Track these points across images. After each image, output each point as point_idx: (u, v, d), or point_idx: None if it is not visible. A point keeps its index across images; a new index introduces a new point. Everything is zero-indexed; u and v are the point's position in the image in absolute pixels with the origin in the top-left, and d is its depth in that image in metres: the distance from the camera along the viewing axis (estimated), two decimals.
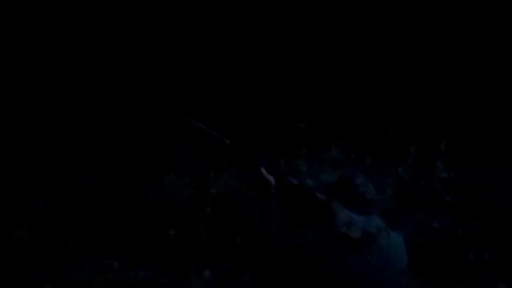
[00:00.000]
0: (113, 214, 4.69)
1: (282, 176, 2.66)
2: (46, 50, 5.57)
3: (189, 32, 5.83)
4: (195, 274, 4.22)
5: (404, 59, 5.67)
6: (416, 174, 4.89)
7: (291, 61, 5.78)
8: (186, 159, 5.13)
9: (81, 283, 4.11)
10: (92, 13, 5.69)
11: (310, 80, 5.74)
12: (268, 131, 5.44)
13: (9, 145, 5.17)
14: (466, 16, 5.46)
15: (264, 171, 2.65)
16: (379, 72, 5.69)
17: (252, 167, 2.66)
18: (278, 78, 5.78)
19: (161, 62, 5.75)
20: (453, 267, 4.31)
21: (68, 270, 4.19)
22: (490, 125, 5.40)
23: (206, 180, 4.87)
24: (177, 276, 4.22)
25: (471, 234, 4.47)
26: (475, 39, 5.50)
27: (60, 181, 4.92)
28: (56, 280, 4.10)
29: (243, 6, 5.75)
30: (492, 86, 5.53)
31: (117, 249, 4.40)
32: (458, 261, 4.34)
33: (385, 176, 4.87)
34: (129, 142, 5.29)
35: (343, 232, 2.41)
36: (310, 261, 2.38)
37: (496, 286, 4.15)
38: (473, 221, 4.55)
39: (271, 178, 2.63)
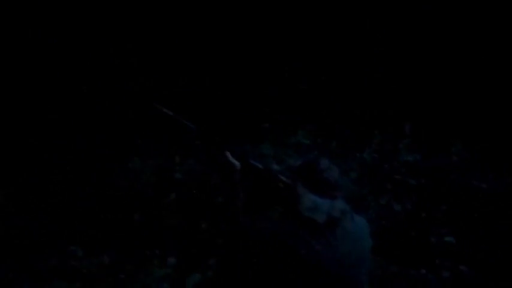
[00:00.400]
0: (76, 199, 4.64)
1: (247, 160, 2.65)
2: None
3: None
4: (160, 260, 4.20)
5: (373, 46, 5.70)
6: (380, 157, 4.93)
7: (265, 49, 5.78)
8: (150, 144, 5.08)
9: (44, 271, 4.06)
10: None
11: (277, 66, 5.73)
12: (234, 115, 5.42)
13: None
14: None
15: (229, 155, 2.63)
16: (344, 59, 5.71)
17: (217, 151, 2.64)
18: (249, 66, 5.78)
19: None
20: (416, 250, 4.37)
21: (32, 259, 4.14)
22: (452, 107, 5.46)
23: (171, 165, 4.83)
24: (141, 262, 4.20)
25: (433, 217, 4.52)
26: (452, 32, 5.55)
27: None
28: (19, 269, 4.05)
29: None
30: (454, 69, 5.59)
31: (80, 236, 4.35)
32: (421, 243, 4.40)
33: (349, 159, 4.90)
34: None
35: (308, 216, 2.41)
36: (275, 245, 2.38)
37: (457, 268, 4.21)
38: (436, 204, 4.61)
39: (236, 162, 2.62)
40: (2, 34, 5.35)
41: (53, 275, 4.04)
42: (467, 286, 4.16)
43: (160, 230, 4.43)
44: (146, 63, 5.66)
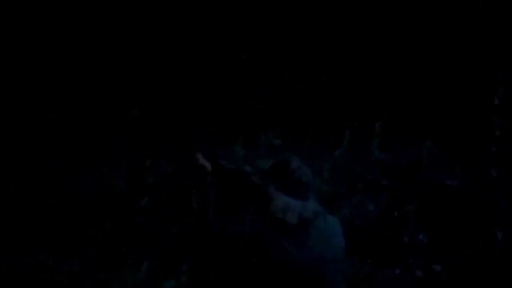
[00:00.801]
0: (46, 206, 4.56)
1: (219, 161, 2.63)
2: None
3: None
4: (133, 266, 4.15)
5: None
6: (352, 157, 4.94)
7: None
8: (121, 148, 5.03)
9: (15, 282, 3.99)
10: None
11: (251, 68, 5.72)
12: (204, 116, 5.40)
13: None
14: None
15: (200, 157, 2.61)
16: (314, 62, 5.71)
17: (188, 153, 2.62)
18: (223, 69, 5.76)
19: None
20: (389, 249, 4.38)
21: (0, 269, 4.07)
22: (421, 106, 5.50)
23: (142, 169, 4.79)
24: (114, 269, 4.15)
25: (406, 216, 4.55)
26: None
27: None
28: None
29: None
30: (422, 68, 5.63)
31: (50, 245, 4.28)
32: (394, 243, 4.42)
33: (321, 159, 4.90)
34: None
35: (280, 217, 2.40)
36: (247, 247, 2.36)
37: (430, 266, 4.24)
38: (407, 203, 4.63)
39: (207, 164, 2.60)
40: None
41: (22, 285, 3.97)
42: (440, 284, 4.18)
43: (132, 236, 4.38)
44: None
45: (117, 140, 5.05)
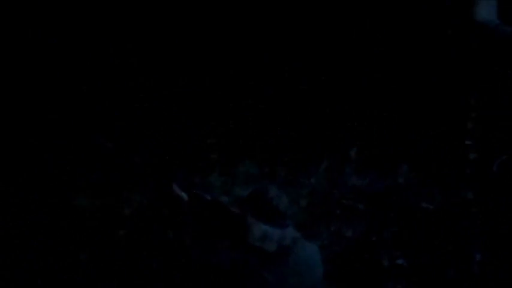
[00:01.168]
0: (16, 238, 4.50)
1: (195, 192, 2.62)
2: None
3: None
4: None
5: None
6: (328, 183, 4.96)
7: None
8: (95, 180, 4.99)
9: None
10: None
11: (220, 94, 5.73)
12: (180, 147, 5.38)
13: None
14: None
15: (176, 187, 2.60)
16: (285, 89, 5.74)
17: (165, 184, 2.61)
18: (189, 95, 5.75)
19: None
20: (368, 274, 4.38)
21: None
22: (396, 130, 5.55)
23: (118, 201, 4.75)
24: None
25: (384, 240, 4.56)
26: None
27: None
28: None
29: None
30: (397, 93, 5.69)
31: (23, 278, 4.22)
32: (373, 267, 4.42)
33: (298, 187, 4.91)
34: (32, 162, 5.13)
35: (258, 246, 2.40)
36: (226, 277, 2.35)
37: None
38: (385, 227, 4.65)
39: (184, 195, 2.59)
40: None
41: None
42: None
43: (109, 267, 4.34)
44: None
45: (91, 171, 5.01)
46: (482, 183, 4.47)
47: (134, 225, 4.58)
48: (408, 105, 5.60)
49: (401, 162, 5.04)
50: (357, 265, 4.44)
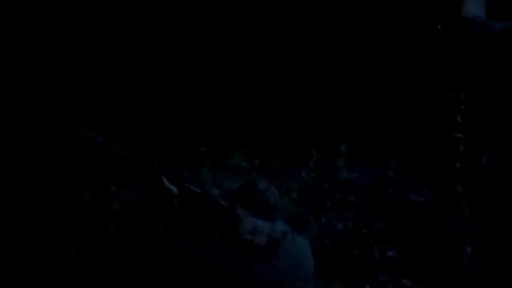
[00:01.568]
0: (7, 234, 4.47)
1: (185, 185, 2.61)
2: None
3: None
4: None
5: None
6: (318, 177, 4.96)
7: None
8: (84, 175, 4.96)
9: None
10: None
11: (210, 86, 5.71)
12: (170, 140, 5.37)
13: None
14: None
15: (166, 181, 2.59)
16: (278, 80, 5.73)
17: (154, 177, 2.60)
18: (181, 88, 5.74)
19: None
20: (359, 266, 4.39)
21: None
22: (386, 124, 5.55)
23: (108, 196, 4.73)
24: None
25: (374, 233, 4.57)
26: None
27: None
28: None
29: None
30: (387, 88, 5.70)
31: (12, 276, 4.20)
32: (364, 260, 4.43)
33: (288, 180, 4.91)
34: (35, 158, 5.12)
35: (249, 239, 2.39)
36: (216, 270, 2.34)
37: (401, 282, 4.26)
38: (375, 220, 4.66)
39: (173, 188, 2.58)
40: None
41: None
42: None
43: (98, 262, 4.32)
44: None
45: (80, 165, 4.99)
46: (472, 176, 4.49)
47: (124, 219, 4.56)
48: (398, 100, 5.61)
49: (392, 155, 5.05)
50: (347, 258, 4.45)
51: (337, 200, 4.80)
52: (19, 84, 5.25)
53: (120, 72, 5.49)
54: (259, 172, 4.92)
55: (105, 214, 4.62)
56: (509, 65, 2.94)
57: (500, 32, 2.94)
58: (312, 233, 4.43)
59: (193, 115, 5.48)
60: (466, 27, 3.07)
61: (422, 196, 4.76)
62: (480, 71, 3.08)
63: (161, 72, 5.62)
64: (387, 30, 5.53)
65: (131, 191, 4.67)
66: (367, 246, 4.48)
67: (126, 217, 4.55)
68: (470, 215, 4.41)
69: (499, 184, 3.14)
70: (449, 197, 4.63)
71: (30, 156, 5.10)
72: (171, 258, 2.49)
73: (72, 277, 4.26)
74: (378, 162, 5.05)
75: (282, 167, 5.09)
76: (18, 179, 4.97)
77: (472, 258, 4.25)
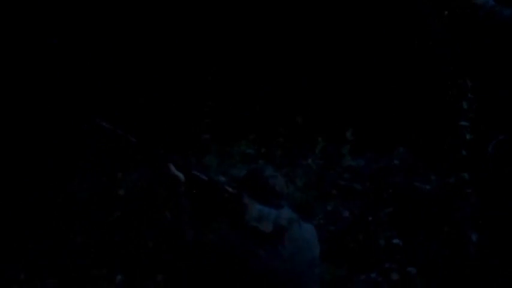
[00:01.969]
0: (16, 222, 4.49)
1: (191, 172, 2.61)
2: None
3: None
4: (107, 279, 4.11)
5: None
6: (324, 164, 4.96)
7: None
8: (91, 161, 4.98)
9: None
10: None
11: (216, 75, 5.71)
12: (176, 127, 5.37)
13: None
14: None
15: (172, 168, 2.59)
16: (284, 67, 5.72)
17: (160, 164, 2.60)
18: (187, 75, 5.74)
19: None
20: (364, 254, 4.40)
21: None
22: (392, 111, 5.54)
23: (113, 182, 4.74)
24: (88, 283, 4.10)
25: (380, 220, 4.57)
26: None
27: None
28: None
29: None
30: (394, 76, 5.68)
31: (21, 259, 4.22)
32: (369, 247, 4.44)
33: (294, 167, 4.91)
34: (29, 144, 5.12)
35: (255, 226, 2.39)
36: (222, 257, 2.35)
37: (405, 269, 4.27)
38: (381, 207, 4.66)
39: (180, 175, 2.58)
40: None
41: None
42: (416, 287, 4.21)
43: (105, 248, 4.34)
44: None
45: (86, 152, 5.00)
46: (478, 164, 4.48)
47: (130, 206, 4.57)
48: (404, 87, 5.60)
49: (398, 143, 5.04)
50: (353, 245, 4.45)
51: (343, 187, 4.80)
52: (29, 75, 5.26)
53: (128, 60, 5.50)
54: (266, 159, 4.93)
55: (111, 201, 4.63)
56: None
57: (509, 18, 2.92)
58: (317, 220, 4.44)
59: (200, 102, 5.48)
60: (473, 12, 3.05)
61: (428, 184, 4.75)
62: (487, 58, 3.06)
63: (168, 61, 5.62)
64: (395, 18, 5.51)
65: (138, 178, 4.68)
66: (372, 234, 4.48)
67: (133, 203, 4.56)
68: (476, 203, 4.41)
69: (505, 171, 3.14)
70: (455, 184, 4.63)
71: (37, 143, 5.12)
72: (177, 245, 2.50)
73: (78, 263, 4.29)
74: (384, 150, 5.05)
75: (288, 154, 5.09)
76: (25, 166, 4.99)
77: (478, 246, 4.26)
